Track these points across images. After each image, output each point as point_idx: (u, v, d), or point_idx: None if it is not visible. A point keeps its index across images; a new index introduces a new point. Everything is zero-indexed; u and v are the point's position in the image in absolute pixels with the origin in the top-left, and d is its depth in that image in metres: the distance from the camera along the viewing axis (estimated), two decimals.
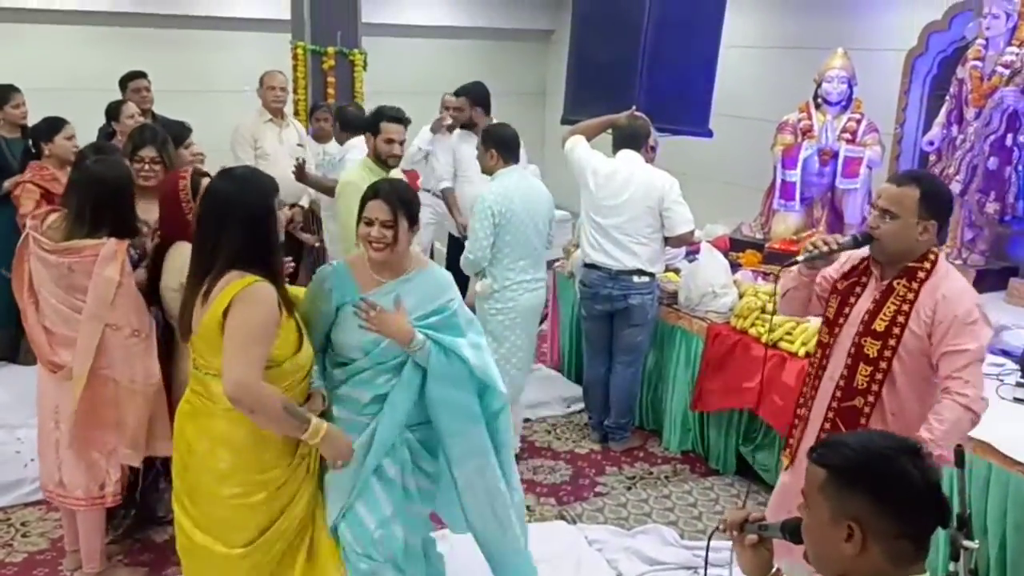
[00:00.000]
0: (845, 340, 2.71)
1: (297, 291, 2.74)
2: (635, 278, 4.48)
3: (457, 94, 5.85)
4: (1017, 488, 3.12)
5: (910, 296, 2.59)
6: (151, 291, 3.21)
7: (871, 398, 2.64)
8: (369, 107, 6.21)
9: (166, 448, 3.26)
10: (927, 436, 2.48)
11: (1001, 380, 3.70)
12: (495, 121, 5.55)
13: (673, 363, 4.74)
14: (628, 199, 4.45)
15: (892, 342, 2.60)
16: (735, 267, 5.07)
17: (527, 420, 5.00)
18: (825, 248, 2.68)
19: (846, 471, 1.64)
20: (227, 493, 2.53)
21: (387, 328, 2.61)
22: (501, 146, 4.35)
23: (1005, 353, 3.96)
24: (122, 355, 3.20)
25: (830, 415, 2.72)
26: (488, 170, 4.41)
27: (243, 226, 2.45)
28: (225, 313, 2.39)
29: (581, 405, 5.14)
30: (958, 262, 5.10)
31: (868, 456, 1.64)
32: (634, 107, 4.88)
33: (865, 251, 2.73)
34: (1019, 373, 3.68)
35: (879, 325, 2.62)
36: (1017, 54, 4.76)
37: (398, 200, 2.65)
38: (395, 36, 8.64)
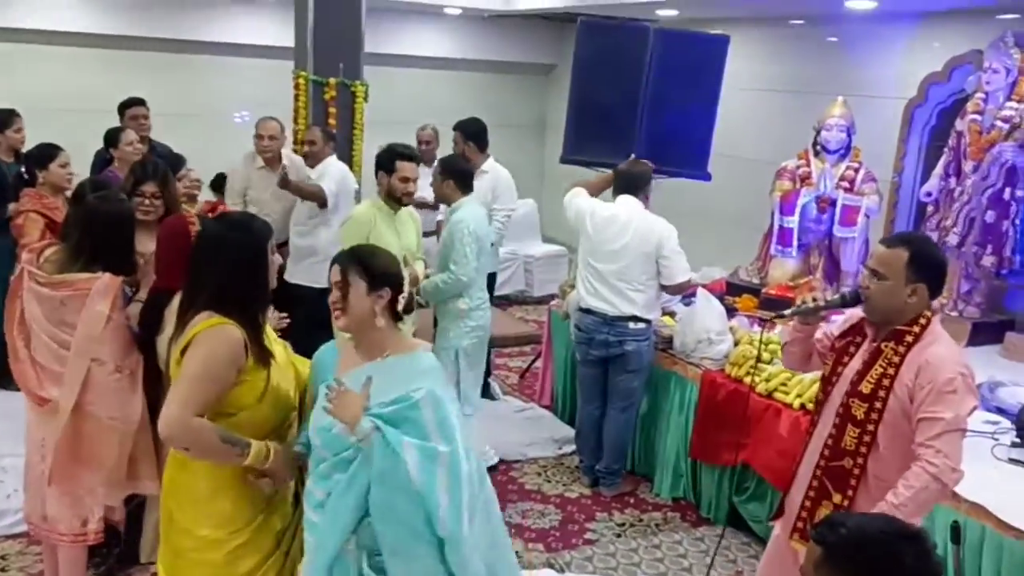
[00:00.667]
0: (836, 399, 2.70)
1: (303, 362, 2.64)
2: (631, 324, 4.47)
3: (453, 129, 5.85)
4: (1011, 552, 3.08)
5: (896, 360, 2.58)
6: (147, 339, 3.17)
7: (860, 460, 2.62)
8: (369, 137, 6.30)
9: (152, 487, 3.24)
10: (892, 500, 2.46)
11: (996, 439, 3.65)
12: (491, 157, 5.60)
13: (667, 408, 4.71)
14: (626, 245, 4.45)
15: (878, 405, 2.58)
16: (731, 312, 5.06)
17: (517, 461, 4.96)
18: (812, 304, 2.71)
19: (840, 550, 1.62)
20: (184, 545, 2.48)
21: (338, 410, 2.26)
22: (458, 177, 4.53)
23: (1000, 411, 3.92)
24: (105, 391, 3.17)
25: (818, 473, 2.71)
26: (447, 199, 4.58)
27: (226, 268, 2.41)
28: (184, 352, 2.36)
29: (572, 447, 5.09)
30: (954, 314, 5.10)
31: (863, 538, 1.63)
32: (633, 155, 4.90)
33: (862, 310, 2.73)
34: (1014, 432, 3.64)
35: (865, 387, 2.61)
36: (1016, 109, 4.79)
37: (350, 259, 2.40)
38: (396, 66, 8.68)
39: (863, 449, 2.61)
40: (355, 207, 4.69)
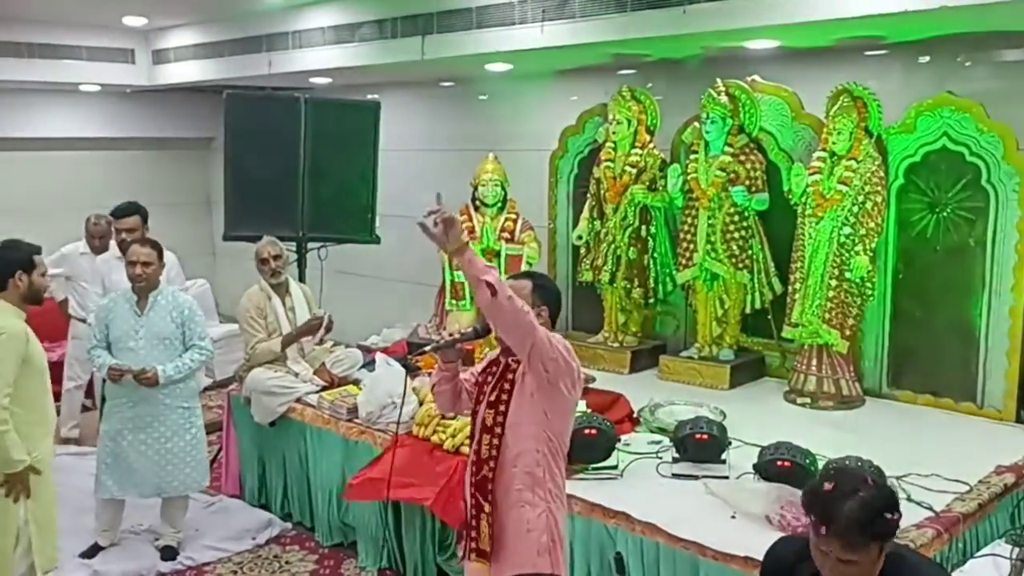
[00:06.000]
0: (478, 420, 2.96)
1: None
2: None
3: (120, 214, 5.42)
4: (683, 563, 3.33)
5: (514, 366, 2.88)
6: None
7: (492, 464, 2.87)
8: (3, 230, 5.65)
9: None
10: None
11: (660, 458, 3.96)
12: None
13: None
14: None
15: (502, 408, 2.87)
16: (416, 371, 5.09)
17: (209, 563, 4.62)
18: (449, 339, 2.97)
19: None
20: None
21: None
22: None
23: (661, 431, 4.26)
24: None
25: (472, 491, 2.93)
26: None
27: None
28: None
29: (267, 535, 4.87)
30: (615, 345, 5.52)
31: None
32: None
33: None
34: (674, 449, 3.96)
35: (492, 395, 2.90)
36: (640, 155, 5.30)
37: None
38: (32, 150, 7.94)
39: (494, 452, 2.87)
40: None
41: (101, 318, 4.53)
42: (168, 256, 5.32)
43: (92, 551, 4.58)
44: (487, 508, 2.87)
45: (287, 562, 4.68)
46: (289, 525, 5.04)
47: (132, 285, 4.47)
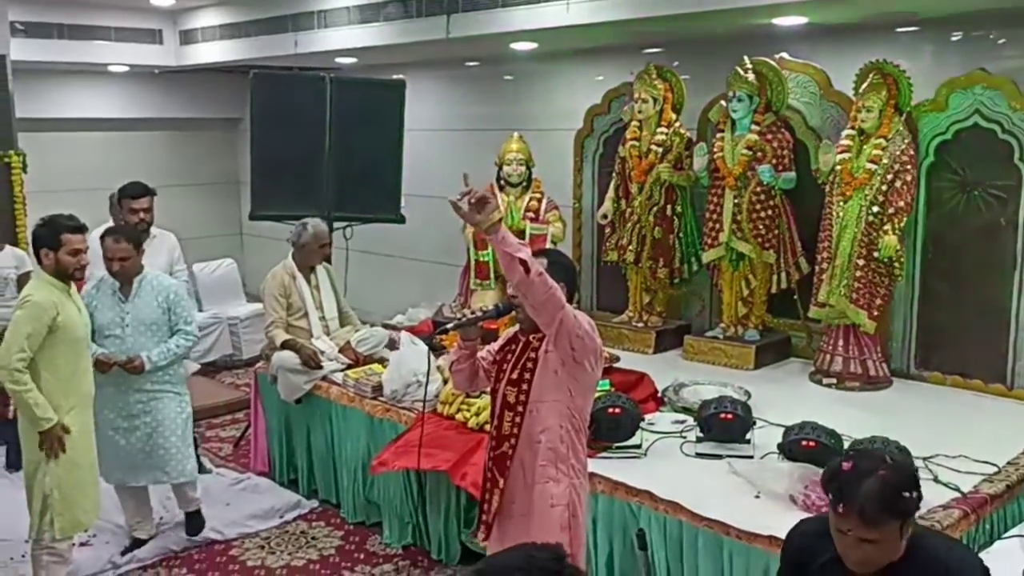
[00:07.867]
0: (498, 398, 2.99)
1: None
2: None
3: (136, 194, 5.44)
4: (705, 541, 3.33)
5: (536, 344, 2.90)
6: None
7: (513, 441, 2.90)
8: (33, 210, 5.72)
9: None
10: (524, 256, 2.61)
11: (684, 437, 3.96)
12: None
13: None
14: None
15: (525, 387, 2.89)
16: (440, 350, 5.11)
17: (237, 538, 4.68)
18: (470, 316, 3.00)
19: None
20: None
21: None
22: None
23: (686, 410, 4.26)
24: None
25: (489, 465, 2.98)
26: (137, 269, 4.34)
27: None
28: None
29: (295, 513, 4.93)
30: (640, 325, 5.50)
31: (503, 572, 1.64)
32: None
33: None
34: (698, 428, 3.95)
35: (515, 374, 2.92)
36: (666, 133, 5.26)
37: None
38: (62, 131, 8.02)
39: (515, 430, 2.90)
40: (29, 290, 3.98)
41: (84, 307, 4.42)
42: (169, 238, 5.31)
43: (133, 546, 4.54)
44: (501, 484, 2.92)
45: (313, 538, 4.73)
46: (316, 503, 5.09)
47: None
